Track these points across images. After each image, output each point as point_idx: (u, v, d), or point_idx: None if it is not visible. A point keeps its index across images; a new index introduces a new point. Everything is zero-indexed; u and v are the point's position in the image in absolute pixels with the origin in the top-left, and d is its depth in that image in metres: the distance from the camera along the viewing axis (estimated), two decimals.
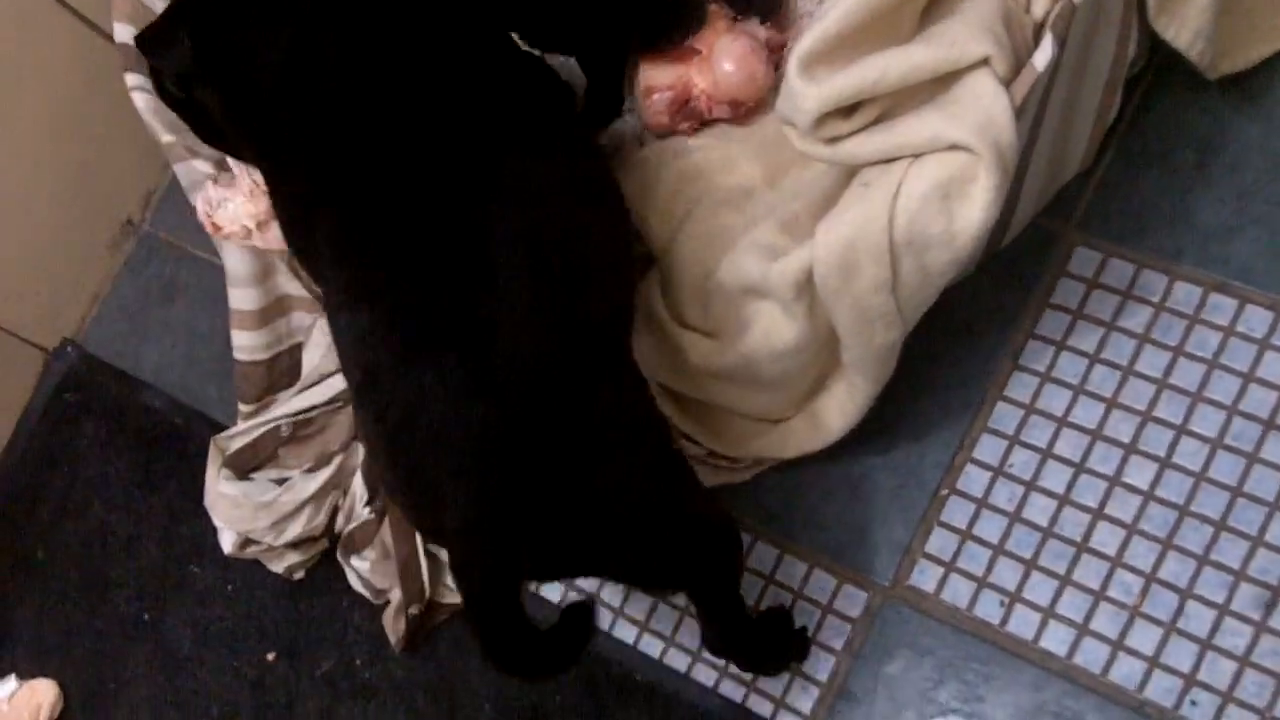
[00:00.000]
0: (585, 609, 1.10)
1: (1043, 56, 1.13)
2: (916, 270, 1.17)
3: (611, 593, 1.46)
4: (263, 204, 1.49)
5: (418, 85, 1.18)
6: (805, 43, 1.15)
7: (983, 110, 1.12)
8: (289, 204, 1.25)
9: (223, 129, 1.30)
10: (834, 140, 1.18)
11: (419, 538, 1.47)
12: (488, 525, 1.06)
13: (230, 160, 1.51)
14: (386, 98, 1.18)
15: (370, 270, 1.14)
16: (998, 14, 1.17)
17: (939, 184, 1.13)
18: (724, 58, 1.37)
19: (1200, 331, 1.32)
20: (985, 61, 1.14)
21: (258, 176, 1.49)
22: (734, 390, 1.32)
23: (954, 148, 1.13)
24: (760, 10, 1.37)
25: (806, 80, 1.15)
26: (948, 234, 1.14)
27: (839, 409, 1.32)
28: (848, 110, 1.17)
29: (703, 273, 1.31)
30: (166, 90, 1.34)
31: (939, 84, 1.16)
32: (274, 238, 1.50)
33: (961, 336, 1.39)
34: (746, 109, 1.38)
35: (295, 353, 1.59)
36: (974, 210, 1.13)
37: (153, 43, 1.34)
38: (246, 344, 1.57)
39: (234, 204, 1.50)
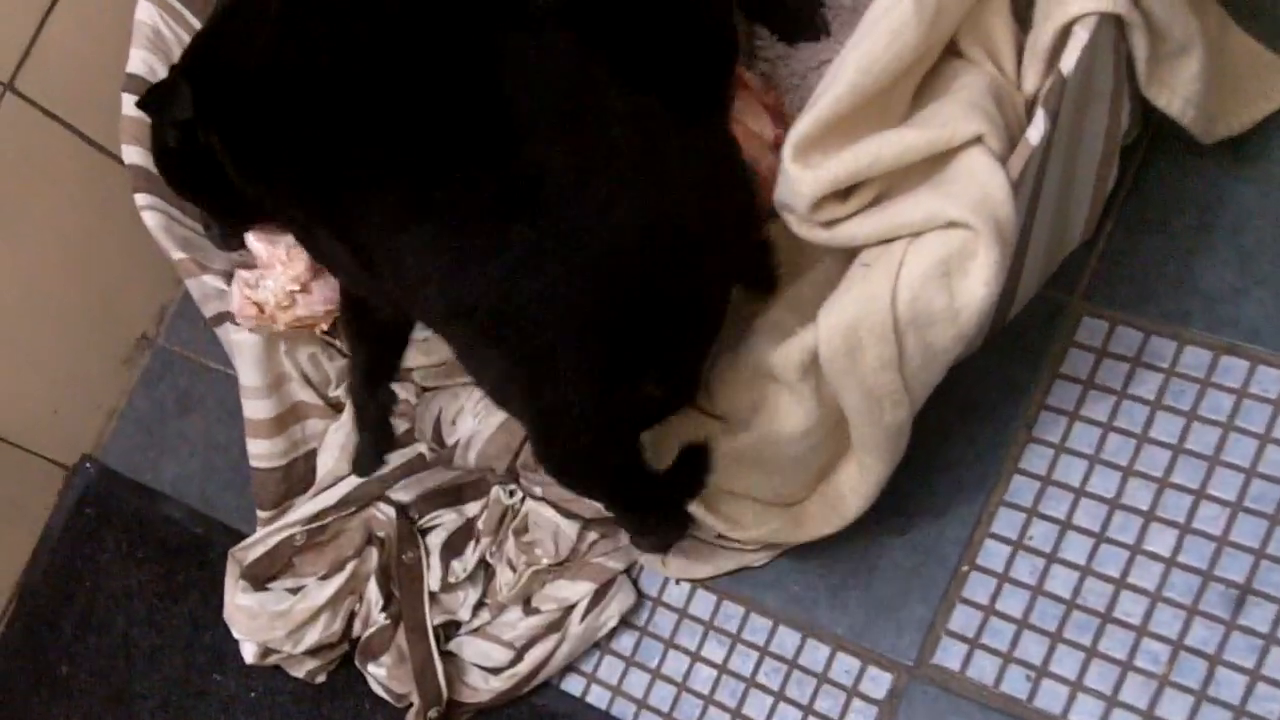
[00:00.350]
0: (702, 450, 1.19)
1: (1036, 131, 1.15)
2: (921, 347, 1.17)
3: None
4: (300, 264, 1.50)
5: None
6: (799, 129, 1.17)
7: (979, 186, 1.14)
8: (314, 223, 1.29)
9: (231, 177, 1.32)
10: (832, 224, 1.20)
11: (433, 640, 1.47)
12: (619, 375, 1.12)
13: (251, 239, 1.52)
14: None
15: (416, 194, 1.15)
16: (988, 92, 1.19)
17: (939, 261, 1.14)
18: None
19: (1213, 395, 1.32)
20: (979, 139, 1.15)
21: (282, 248, 1.50)
22: (745, 473, 1.32)
23: (952, 225, 1.13)
24: (800, 34, 1.38)
25: (801, 166, 1.17)
26: (951, 310, 1.15)
27: (852, 490, 1.32)
28: (844, 193, 1.19)
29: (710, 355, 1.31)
30: (168, 155, 1.37)
31: (935, 163, 1.17)
32: (318, 297, 1.53)
33: (973, 411, 1.39)
34: None
35: (310, 458, 1.60)
36: (976, 285, 1.14)
37: (153, 98, 1.39)
38: (262, 451, 1.58)
39: (272, 277, 1.51)
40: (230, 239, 1.54)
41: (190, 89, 1.33)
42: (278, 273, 1.51)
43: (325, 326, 1.56)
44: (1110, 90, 1.25)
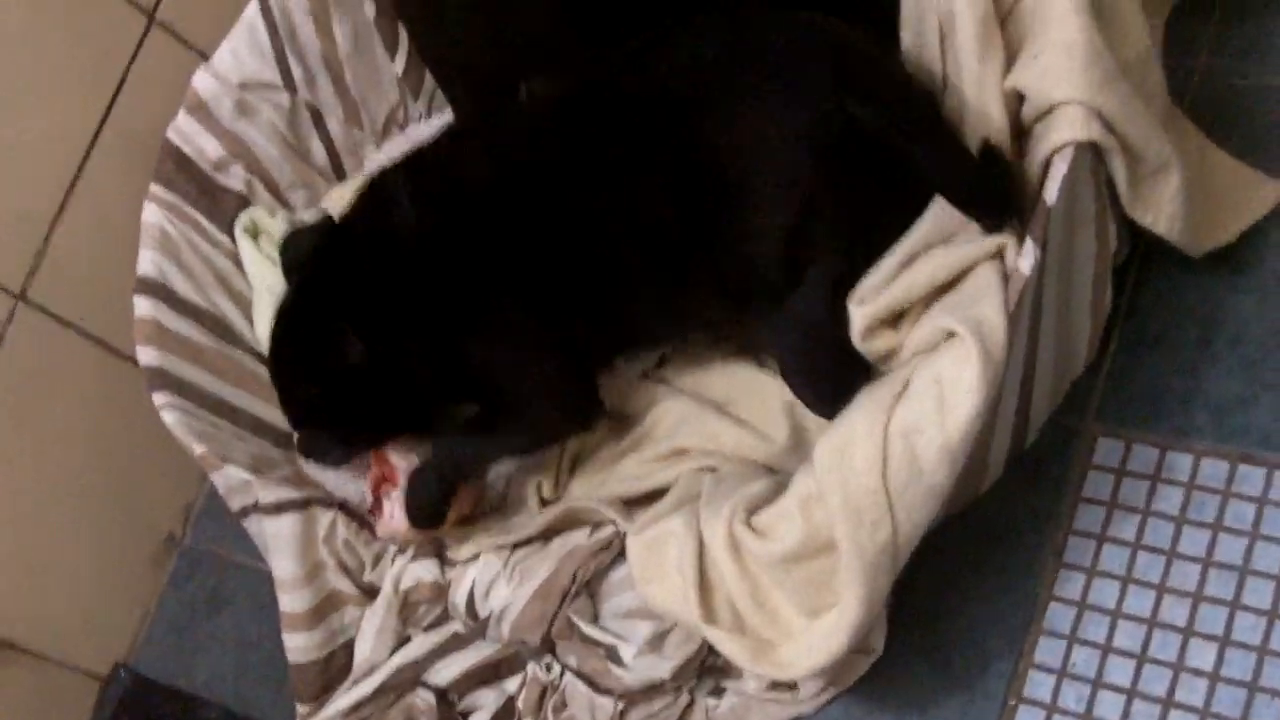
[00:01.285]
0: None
1: (1027, 261, 1.17)
2: (906, 454, 1.17)
3: None
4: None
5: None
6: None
7: (976, 301, 1.17)
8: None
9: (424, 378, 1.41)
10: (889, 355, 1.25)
11: None
12: None
13: (393, 456, 1.52)
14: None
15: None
16: None
17: (933, 369, 1.17)
18: None
19: (1235, 504, 1.32)
20: (999, 253, 1.20)
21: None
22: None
23: (950, 335, 1.17)
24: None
25: (855, 303, 1.24)
26: (938, 417, 1.16)
27: (828, 628, 1.28)
28: (894, 321, 1.24)
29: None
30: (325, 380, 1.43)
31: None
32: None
33: (1001, 542, 1.39)
34: None
35: (349, 648, 1.58)
36: (963, 393, 1.15)
37: (310, 422, 1.50)
38: (300, 645, 1.56)
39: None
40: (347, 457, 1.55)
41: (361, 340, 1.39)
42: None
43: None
44: (1095, 214, 1.27)
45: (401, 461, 1.51)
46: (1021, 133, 1.25)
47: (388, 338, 1.39)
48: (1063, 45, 1.20)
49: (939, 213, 1.23)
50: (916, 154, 1.23)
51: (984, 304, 1.17)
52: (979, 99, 1.24)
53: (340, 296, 1.41)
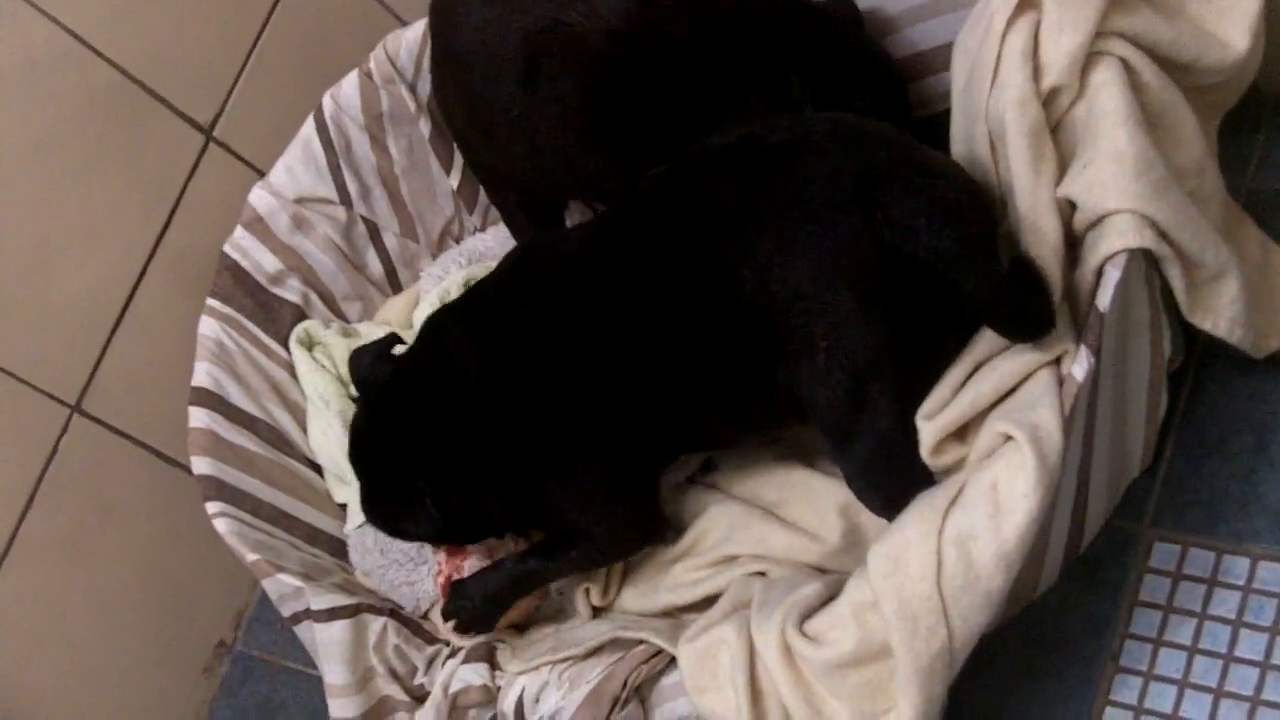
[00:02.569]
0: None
1: (1081, 369, 1.18)
2: (961, 561, 1.17)
3: None
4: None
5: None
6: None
7: (1032, 405, 1.18)
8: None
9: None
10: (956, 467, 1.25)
11: None
12: None
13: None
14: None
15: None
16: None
17: (989, 474, 1.17)
18: None
19: None
20: (1057, 360, 1.21)
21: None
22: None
23: (1006, 439, 1.17)
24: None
25: (924, 419, 1.24)
26: (993, 522, 1.16)
27: None
28: (961, 433, 1.24)
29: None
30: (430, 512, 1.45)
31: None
32: None
33: (1059, 647, 1.38)
34: None
35: None
36: (1018, 496, 1.15)
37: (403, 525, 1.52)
38: None
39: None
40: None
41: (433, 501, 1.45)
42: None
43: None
44: (1149, 320, 1.29)
45: (478, 565, 1.53)
46: (1074, 240, 1.26)
47: (458, 479, 1.43)
48: (1112, 155, 1.21)
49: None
50: (948, 276, 1.21)
51: (1040, 409, 1.17)
52: (1032, 211, 1.25)
53: (412, 444, 1.45)
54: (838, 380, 1.25)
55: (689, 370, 1.34)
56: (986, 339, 1.25)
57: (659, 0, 1.48)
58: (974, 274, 1.20)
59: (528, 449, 1.41)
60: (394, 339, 1.56)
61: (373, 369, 1.51)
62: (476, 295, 1.49)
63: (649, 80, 1.48)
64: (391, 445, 1.47)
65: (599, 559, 1.50)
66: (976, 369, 1.24)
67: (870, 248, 1.22)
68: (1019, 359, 1.21)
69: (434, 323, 1.49)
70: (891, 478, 1.29)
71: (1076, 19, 1.25)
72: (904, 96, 1.55)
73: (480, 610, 1.52)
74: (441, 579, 1.55)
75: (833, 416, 1.28)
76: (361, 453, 1.51)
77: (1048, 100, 1.27)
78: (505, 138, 1.60)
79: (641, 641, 1.41)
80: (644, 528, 1.48)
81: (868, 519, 1.40)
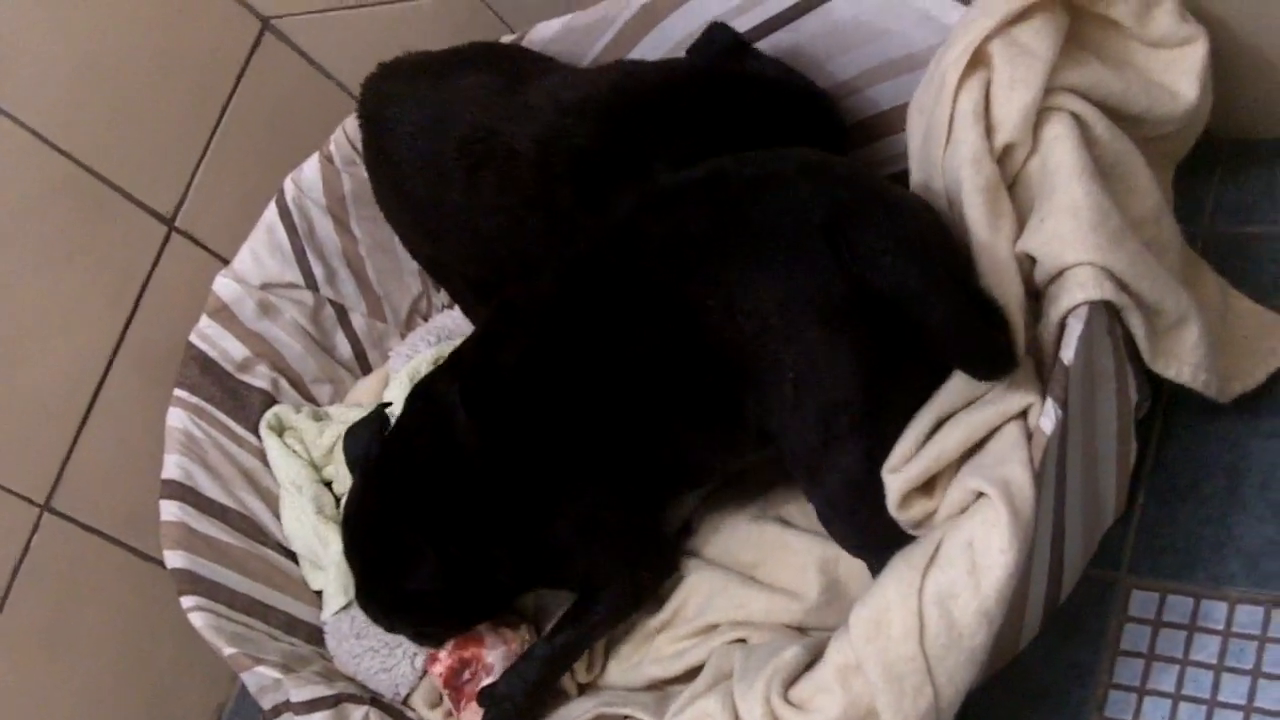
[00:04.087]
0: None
1: (1048, 421, 1.18)
2: (943, 620, 1.17)
3: None
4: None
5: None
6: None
7: (1003, 460, 1.18)
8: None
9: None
10: (924, 521, 1.25)
11: None
12: None
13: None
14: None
15: None
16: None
17: (965, 532, 1.17)
18: None
19: (1272, 650, 1.31)
20: (1024, 413, 1.20)
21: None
22: None
23: (979, 495, 1.17)
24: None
25: (890, 472, 1.24)
26: (972, 580, 1.16)
27: None
28: (928, 487, 1.24)
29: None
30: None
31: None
32: None
33: (1044, 700, 1.38)
34: None
35: None
36: (994, 552, 1.15)
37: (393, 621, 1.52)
38: None
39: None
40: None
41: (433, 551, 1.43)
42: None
43: None
44: (1114, 370, 1.29)
45: (497, 655, 1.52)
46: (1037, 293, 1.27)
47: (463, 543, 1.42)
48: (1069, 208, 1.22)
49: (964, 377, 1.25)
50: (914, 309, 1.21)
51: (1011, 464, 1.17)
52: (993, 267, 1.25)
53: (410, 509, 1.44)
54: (807, 411, 1.26)
55: (667, 401, 1.34)
56: (951, 389, 1.25)
57: (568, 110, 1.52)
58: (938, 308, 1.21)
59: (527, 498, 1.41)
60: (383, 413, 1.56)
61: (366, 447, 1.51)
62: (456, 359, 1.48)
63: (576, 183, 1.51)
64: (386, 515, 1.45)
65: (626, 605, 1.48)
66: (941, 423, 1.24)
67: (837, 280, 1.23)
68: (985, 412, 1.22)
69: (418, 391, 1.49)
70: (862, 514, 1.29)
71: (1027, 76, 1.26)
72: (826, 99, 1.56)
73: (525, 705, 1.48)
74: (440, 669, 1.53)
75: (802, 449, 1.29)
76: (355, 531, 1.50)
77: (1002, 157, 1.28)
78: (451, 236, 1.63)
79: (627, 718, 1.40)
80: (658, 561, 1.48)
81: (846, 572, 1.40)
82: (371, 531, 1.47)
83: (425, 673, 1.58)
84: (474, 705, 1.50)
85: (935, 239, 1.27)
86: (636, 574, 1.47)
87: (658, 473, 1.43)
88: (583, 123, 1.51)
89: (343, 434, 1.67)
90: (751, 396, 1.30)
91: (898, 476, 1.24)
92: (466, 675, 1.52)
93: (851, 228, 1.23)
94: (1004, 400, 1.21)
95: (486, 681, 1.50)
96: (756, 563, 1.47)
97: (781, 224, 1.26)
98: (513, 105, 1.55)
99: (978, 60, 1.30)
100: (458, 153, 1.55)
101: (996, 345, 1.22)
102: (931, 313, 1.21)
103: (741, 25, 1.58)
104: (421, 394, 1.48)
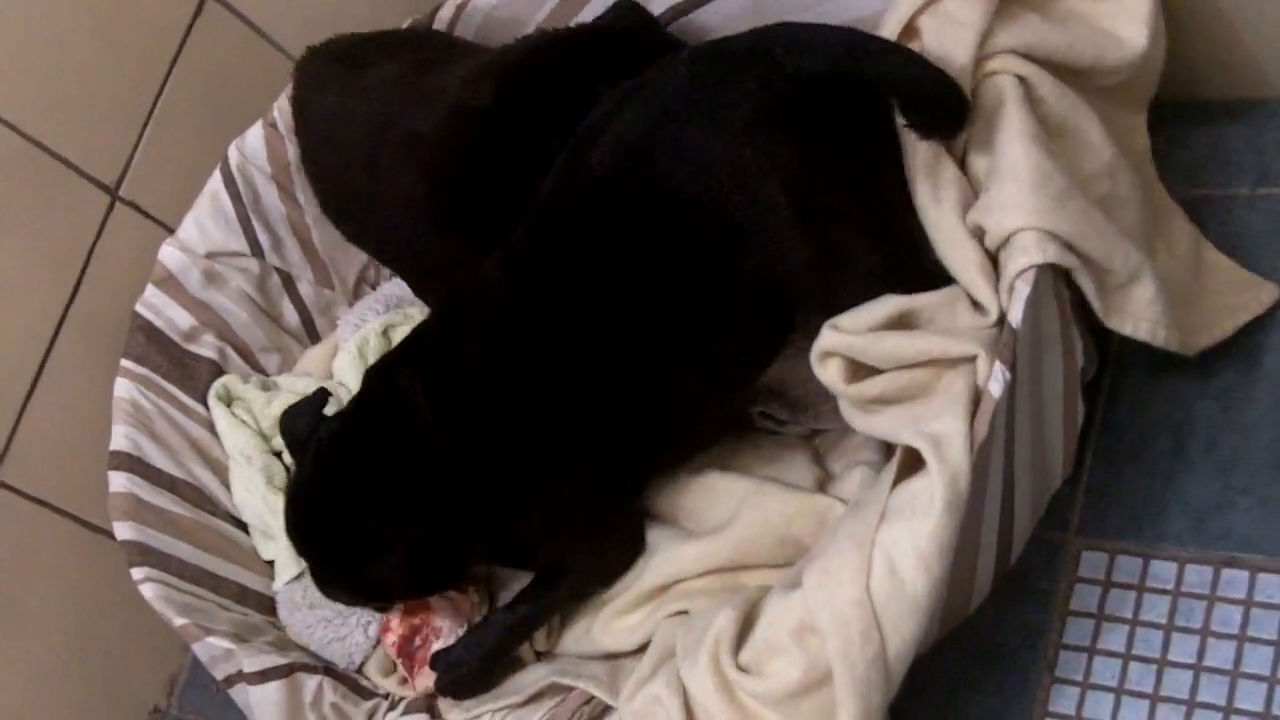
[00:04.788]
0: None
1: (997, 385, 1.18)
2: (885, 566, 1.17)
3: None
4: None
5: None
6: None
7: (939, 414, 1.19)
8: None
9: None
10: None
11: None
12: None
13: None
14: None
15: None
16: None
17: (911, 488, 1.19)
18: None
19: (1221, 609, 1.33)
20: (974, 359, 1.21)
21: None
22: None
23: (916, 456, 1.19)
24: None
25: (831, 328, 1.27)
26: (909, 525, 1.17)
27: None
28: (855, 373, 1.27)
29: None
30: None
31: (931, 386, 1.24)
32: None
33: (995, 661, 1.39)
34: None
35: None
36: (926, 504, 1.16)
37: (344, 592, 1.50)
38: None
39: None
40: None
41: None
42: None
43: None
44: (1059, 333, 1.29)
45: (446, 620, 1.51)
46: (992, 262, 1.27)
47: (421, 514, 1.41)
48: (1010, 173, 1.22)
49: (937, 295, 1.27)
50: (867, 72, 1.24)
51: (945, 418, 1.18)
52: (941, 238, 1.26)
53: (374, 499, 1.42)
54: (809, 226, 1.26)
55: (658, 347, 1.34)
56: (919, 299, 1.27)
57: (469, 80, 1.55)
58: (880, 59, 1.23)
59: (500, 489, 1.40)
60: (324, 395, 1.55)
61: (308, 428, 1.49)
62: (415, 346, 1.47)
63: (478, 151, 1.52)
64: (347, 503, 1.43)
65: (589, 587, 1.47)
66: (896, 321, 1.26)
67: (780, 83, 1.25)
68: (934, 340, 1.24)
69: (376, 379, 1.47)
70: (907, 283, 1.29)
71: (956, 47, 1.27)
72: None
73: (479, 670, 1.48)
74: (393, 638, 1.52)
75: (815, 275, 1.29)
76: (308, 516, 1.47)
77: None
78: (361, 223, 1.66)
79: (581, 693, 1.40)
80: (632, 544, 1.46)
81: (774, 507, 1.39)
82: (330, 519, 1.45)
83: (379, 642, 1.57)
84: (428, 670, 1.50)
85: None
86: (608, 556, 1.46)
87: (654, 443, 1.43)
88: (484, 84, 1.52)
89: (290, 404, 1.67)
90: (747, 255, 1.29)
91: (841, 336, 1.25)
92: (418, 641, 1.52)
93: (776, 37, 1.27)
94: (957, 339, 1.23)
95: (437, 645, 1.50)
96: (690, 512, 1.47)
97: (712, 75, 1.29)
98: (416, 91, 1.56)
99: (910, 36, 1.30)
100: (361, 141, 1.58)
101: (950, 90, 1.23)
102: (876, 64, 1.23)
103: None
104: (381, 382, 1.46)
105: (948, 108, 1.24)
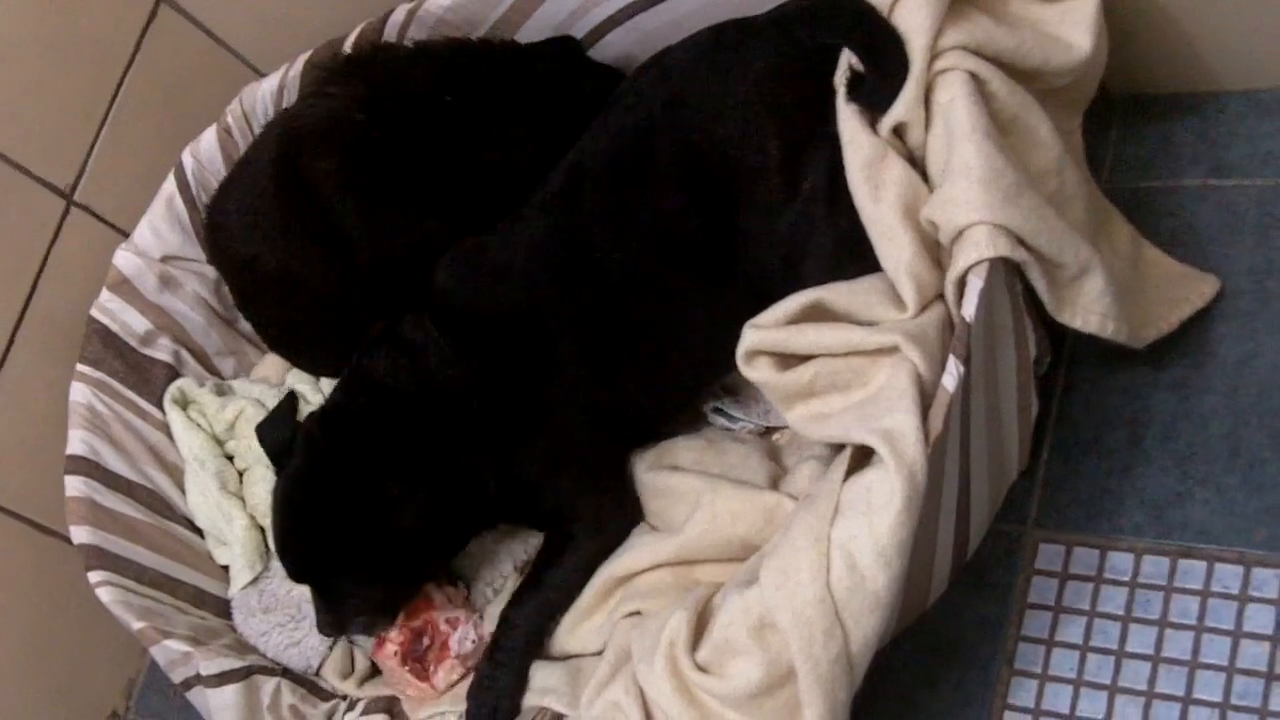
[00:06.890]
0: None
1: (951, 379, 1.19)
2: (845, 562, 1.17)
3: None
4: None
5: None
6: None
7: (888, 410, 1.20)
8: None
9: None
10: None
11: None
12: None
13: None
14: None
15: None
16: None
17: (864, 482, 1.19)
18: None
19: (1178, 600, 1.33)
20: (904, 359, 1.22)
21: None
22: None
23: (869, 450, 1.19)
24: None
25: (753, 328, 1.29)
26: (866, 521, 1.17)
27: None
28: (782, 364, 1.29)
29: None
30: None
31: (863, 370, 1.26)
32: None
33: (954, 654, 1.39)
34: None
35: None
36: (883, 498, 1.17)
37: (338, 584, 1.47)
38: None
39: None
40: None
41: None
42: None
43: None
44: (1012, 326, 1.30)
45: (448, 610, 1.50)
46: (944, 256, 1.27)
47: (443, 467, 1.40)
48: (961, 169, 1.22)
49: (858, 285, 1.29)
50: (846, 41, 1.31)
51: (895, 413, 1.19)
52: (881, 236, 1.27)
53: (382, 455, 1.40)
54: (790, 177, 1.35)
55: (667, 269, 1.41)
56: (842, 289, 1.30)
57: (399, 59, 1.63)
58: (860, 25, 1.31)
59: (509, 410, 1.42)
60: (294, 400, 1.55)
61: (287, 433, 1.48)
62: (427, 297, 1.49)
63: (401, 146, 1.57)
64: (351, 471, 1.40)
65: (606, 542, 1.46)
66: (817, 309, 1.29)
67: (793, 49, 1.36)
68: (855, 333, 1.26)
69: (378, 338, 1.46)
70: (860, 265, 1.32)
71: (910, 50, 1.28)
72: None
73: (520, 669, 1.45)
74: (394, 648, 1.50)
75: (795, 227, 1.36)
76: (306, 512, 1.44)
77: (898, 132, 1.29)
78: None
79: (543, 709, 1.40)
80: (624, 510, 1.47)
81: (724, 505, 1.39)
82: (336, 504, 1.41)
83: (334, 647, 1.56)
84: (448, 663, 1.49)
85: None
86: (615, 514, 1.47)
87: (655, 383, 1.47)
88: (417, 69, 1.61)
89: (245, 409, 1.67)
90: (754, 215, 1.37)
91: (762, 332, 1.28)
92: (426, 642, 1.50)
93: (794, 13, 1.38)
94: (877, 330, 1.25)
95: (453, 639, 1.49)
96: (654, 514, 1.47)
97: (742, 47, 1.40)
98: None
99: None
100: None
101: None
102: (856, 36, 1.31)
103: None
104: (377, 348, 1.45)
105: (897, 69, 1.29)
